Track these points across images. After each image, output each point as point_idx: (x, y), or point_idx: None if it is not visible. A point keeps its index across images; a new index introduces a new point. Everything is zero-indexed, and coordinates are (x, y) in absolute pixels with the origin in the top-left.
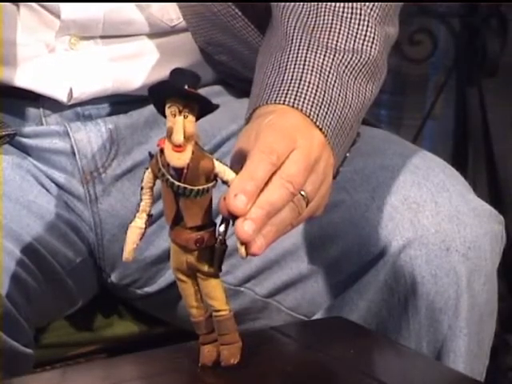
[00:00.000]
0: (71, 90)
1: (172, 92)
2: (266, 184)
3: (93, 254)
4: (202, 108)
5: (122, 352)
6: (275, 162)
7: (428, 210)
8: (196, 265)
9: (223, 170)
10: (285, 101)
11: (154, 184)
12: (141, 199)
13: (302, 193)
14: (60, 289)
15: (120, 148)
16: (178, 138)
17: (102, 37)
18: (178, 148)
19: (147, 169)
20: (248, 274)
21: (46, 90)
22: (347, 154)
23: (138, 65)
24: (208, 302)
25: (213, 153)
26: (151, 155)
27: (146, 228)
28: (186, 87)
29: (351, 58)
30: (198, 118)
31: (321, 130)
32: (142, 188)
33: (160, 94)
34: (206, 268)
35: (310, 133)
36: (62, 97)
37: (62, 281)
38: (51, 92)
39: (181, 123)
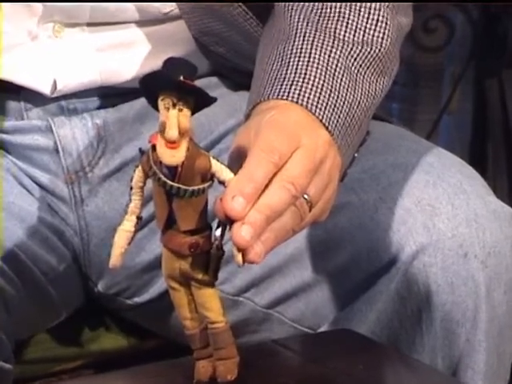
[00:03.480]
0: (55, 81)
1: (165, 83)
2: (266, 186)
3: (78, 261)
4: (199, 101)
5: (110, 368)
6: (277, 162)
7: (444, 212)
8: (190, 272)
9: (220, 169)
10: (288, 97)
11: (144, 183)
12: (130, 200)
13: (305, 196)
14: (42, 298)
15: (108, 145)
16: (172, 133)
17: (89, 24)
18: (172, 144)
19: (137, 167)
20: (247, 282)
21: (28, 82)
22: (355, 155)
23: (128, 55)
24: (203, 313)
25: (210, 150)
26: (142, 152)
27: (135, 232)
28: (181, 78)
29: (360, 51)
30: (193, 112)
31: (327, 128)
32: (131, 188)
33: (152, 86)
34: (200, 276)
35: (315, 131)
36: (45, 89)
37: (44, 289)
38: (33, 83)
39: (175, 117)
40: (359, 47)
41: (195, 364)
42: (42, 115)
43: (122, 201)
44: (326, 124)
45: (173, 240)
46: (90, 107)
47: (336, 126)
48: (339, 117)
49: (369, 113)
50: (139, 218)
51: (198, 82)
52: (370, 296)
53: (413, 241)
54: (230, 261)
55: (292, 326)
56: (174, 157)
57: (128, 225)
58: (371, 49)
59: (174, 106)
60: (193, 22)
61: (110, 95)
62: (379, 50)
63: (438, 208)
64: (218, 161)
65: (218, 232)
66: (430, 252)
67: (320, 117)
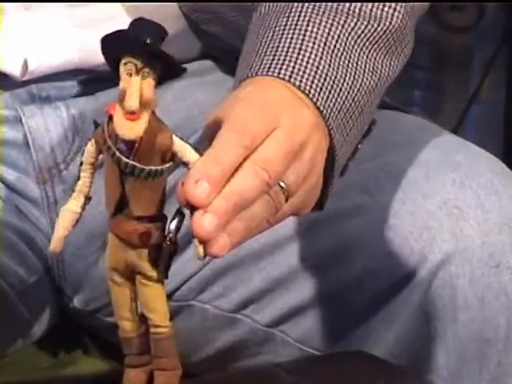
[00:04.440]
0: (26, 61)
1: (130, 45)
2: (237, 170)
3: (51, 272)
4: (166, 70)
5: None
6: (249, 144)
7: (472, 216)
8: (137, 265)
9: (184, 148)
10: (279, 73)
11: (96, 159)
12: (78, 177)
13: (282, 184)
14: (9, 315)
15: (85, 138)
16: (132, 102)
17: None
18: (131, 116)
19: (90, 140)
20: (246, 297)
21: None
22: (359, 146)
23: (110, 31)
24: (145, 314)
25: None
26: (96, 124)
27: (81, 213)
28: (148, 41)
29: (366, 26)
30: (159, 82)
31: (321, 111)
32: (81, 163)
33: (115, 47)
34: (149, 270)
35: (297, 110)
36: (14, 70)
37: (12, 305)
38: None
39: (137, 85)
40: (365, 22)
41: (125, 371)
42: (10, 103)
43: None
44: (321, 107)
45: (122, 226)
46: (65, 95)
47: (332, 109)
48: (336, 99)
49: (373, 96)
50: (88, 197)
51: (189, 66)
52: (388, 313)
53: (437, 249)
54: (227, 272)
55: (297, 347)
56: (131, 129)
57: (74, 204)
58: (378, 25)
59: (138, 72)
60: None
61: (87, 81)
62: (387, 26)
63: (465, 211)
64: (182, 139)
65: (174, 224)
66: (457, 262)
67: (314, 99)
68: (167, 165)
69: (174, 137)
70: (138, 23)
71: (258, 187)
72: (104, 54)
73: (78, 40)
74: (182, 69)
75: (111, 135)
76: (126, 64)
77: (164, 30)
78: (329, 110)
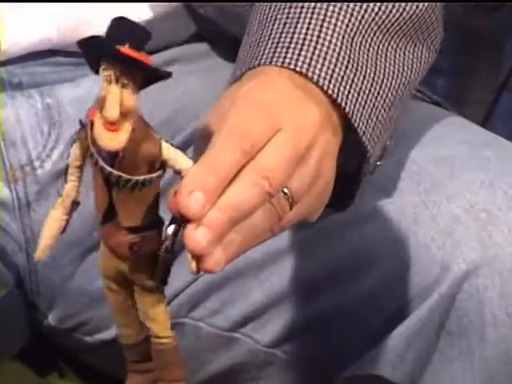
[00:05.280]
0: None
1: (105, 52)
2: (234, 178)
3: (23, 285)
4: (148, 77)
5: None
6: (247, 150)
7: (503, 221)
8: (130, 275)
9: (175, 156)
10: (296, 65)
11: (83, 162)
12: (65, 181)
13: (285, 190)
14: None
15: (63, 131)
16: (112, 113)
17: None
18: (111, 126)
19: (75, 142)
20: (245, 313)
21: None
22: (387, 142)
23: (93, 8)
24: (146, 324)
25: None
26: (82, 125)
27: (68, 219)
28: (127, 46)
29: (391, 11)
30: (142, 87)
31: (342, 107)
32: (67, 166)
33: (91, 52)
34: (143, 281)
35: (303, 108)
36: None
37: None
38: None
39: (117, 94)
40: (389, 6)
41: (127, 376)
42: None
43: (82, 207)
44: (343, 105)
45: (112, 236)
46: (40, 81)
47: (355, 105)
48: (359, 95)
49: (405, 90)
50: (75, 202)
51: (180, 49)
52: (406, 330)
53: (462, 258)
54: (223, 286)
55: (303, 370)
56: (112, 140)
57: (60, 211)
58: (404, 9)
59: (117, 80)
60: None
61: (65, 65)
62: (414, 11)
63: (495, 215)
64: (172, 146)
65: (171, 230)
66: (485, 273)
67: (335, 94)
68: (156, 174)
69: (163, 143)
70: (118, 24)
71: (257, 198)
72: (84, 55)
73: (56, 16)
74: (166, 73)
75: (94, 142)
76: (104, 69)
77: (147, 32)
78: (351, 106)
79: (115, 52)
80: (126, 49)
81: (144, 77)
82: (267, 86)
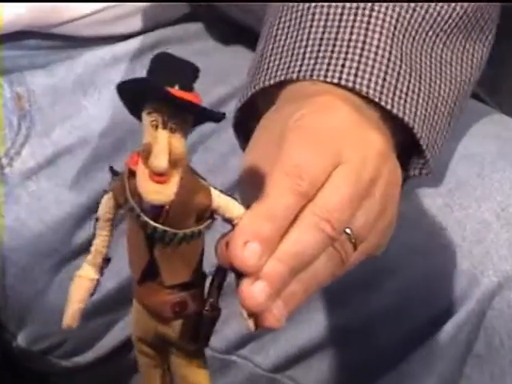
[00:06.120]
0: None
1: (152, 94)
2: (292, 223)
3: None
4: (199, 119)
5: None
6: (306, 191)
7: None
8: (171, 338)
9: (225, 203)
10: (340, 78)
11: (115, 215)
12: (94, 235)
13: (348, 231)
14: None
15: (35, 125)
16: (160, 163)
17: None
18: (159, 178)
19: (107, 192)
20: (244, 334)
21: None
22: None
23: None
24: None
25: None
26: (114, 173)
27: (99, 279)
28: (176, 88)
29: (442, 7)
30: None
31: (407, 125)
32: (96, 219)
33: (135, 95)
34: (185, 343)
35: (363, 137)
36: None
37: None
38: None
39: (165, 141)
40: (439, 4)
41: None
42: None
43: (56, 211)
44: (406, 118)
45: (151, 296)
46: (8, 67)
47: (416, 119)
48: (416, 108)
49: (463, 94)
50: (107, 259)
51: (168, 30)
52: (428, 352)
53: (493, 269)
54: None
55: None
56: (160, 194)
57: (89, 270)
58: (455, 7)
59: (165, 124)
60: None
61: (38, 48)
62: (466, 9)
63: None
64: (221, 192)
65: (215, 284)
66: None
67: (401, 113)
68: (205, 224)
69: (213, 191)
70: (161, 61)
71: (319, 243)
72: (122, 99)
73: None
74: (220, 115)
75: (134, 194)
76: (149, 114)
77: (196, 68)
78: (413, 120)
79: (166, 94)
80: (177, 90)
81: (195, 119)
82: (322, 112)
